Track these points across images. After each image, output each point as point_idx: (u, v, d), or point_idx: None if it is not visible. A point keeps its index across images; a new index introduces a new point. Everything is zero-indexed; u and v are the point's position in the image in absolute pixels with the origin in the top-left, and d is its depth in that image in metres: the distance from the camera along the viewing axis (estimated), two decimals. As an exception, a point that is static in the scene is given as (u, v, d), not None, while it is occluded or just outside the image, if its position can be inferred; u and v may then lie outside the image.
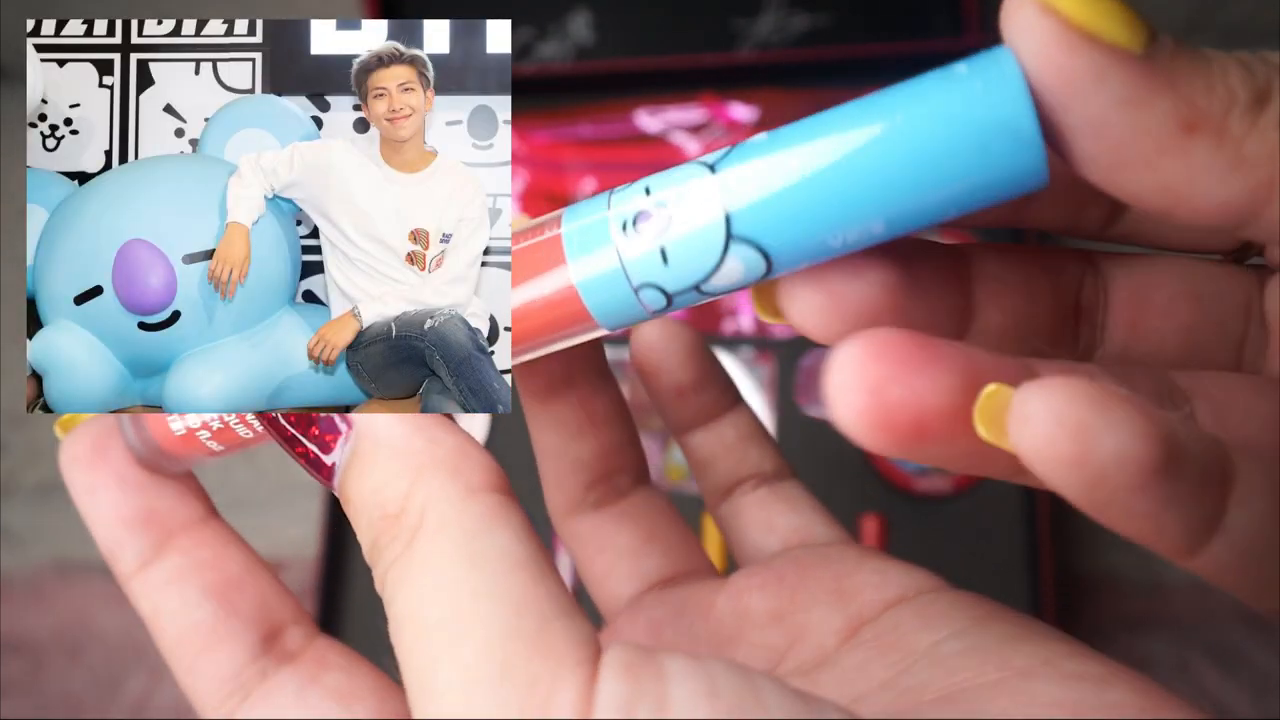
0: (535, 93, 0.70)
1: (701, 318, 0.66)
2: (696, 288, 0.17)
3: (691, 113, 0.67)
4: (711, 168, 0.16)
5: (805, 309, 0.18)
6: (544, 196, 0.69)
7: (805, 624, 0.22)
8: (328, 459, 0.18)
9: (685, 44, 0.69)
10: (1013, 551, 0.60)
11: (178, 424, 0.20)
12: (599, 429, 0.24)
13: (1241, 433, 0.18)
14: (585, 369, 0.24)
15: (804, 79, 0.68)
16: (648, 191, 0.17)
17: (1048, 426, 0.13)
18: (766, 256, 0.16)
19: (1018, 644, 0.19)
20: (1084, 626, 0.64)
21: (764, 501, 0.25)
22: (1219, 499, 0.14)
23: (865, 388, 0.14)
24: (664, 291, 0.17)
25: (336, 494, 0.18)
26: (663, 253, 0.16)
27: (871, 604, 0.22)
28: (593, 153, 0.68)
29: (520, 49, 0.73)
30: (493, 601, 0.15)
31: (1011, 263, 0.19)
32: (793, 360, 0.64)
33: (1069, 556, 0.65)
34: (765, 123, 0.66)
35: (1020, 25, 0.15)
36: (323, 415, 0.18)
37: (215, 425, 0.20)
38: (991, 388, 0.15)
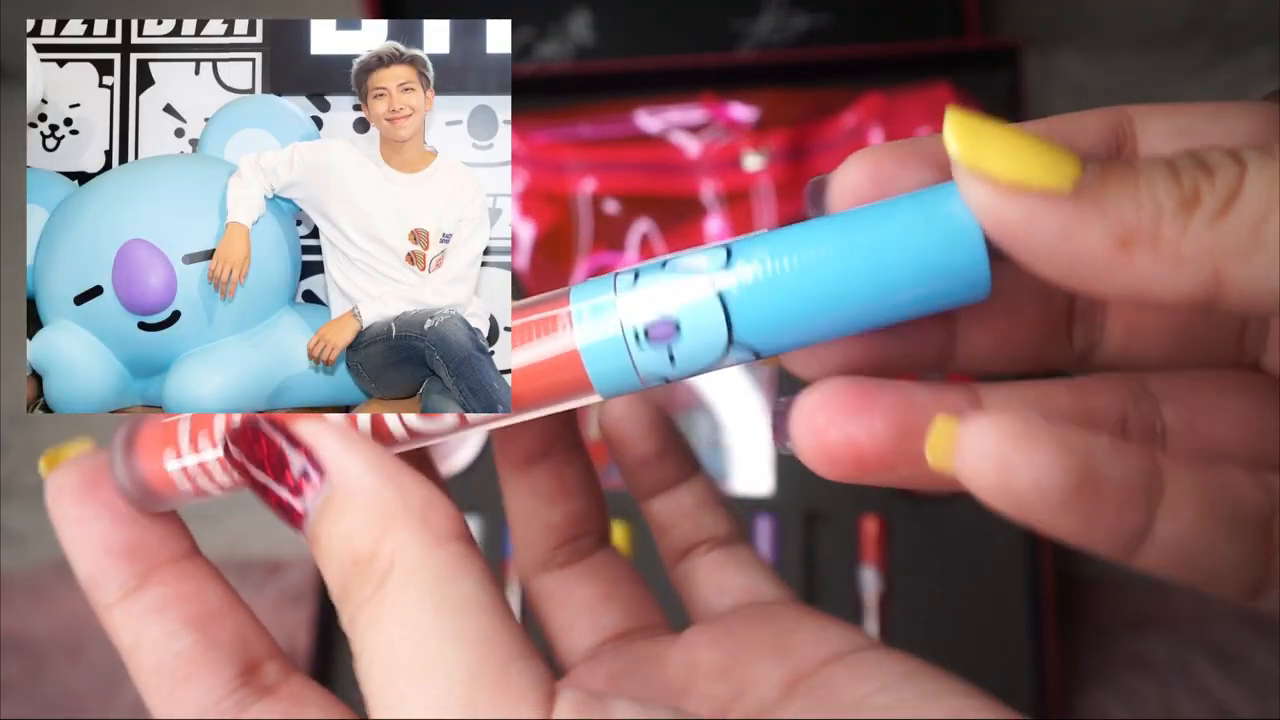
0: (535, 93, 0.70)
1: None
2: (694, 374, 0.20)
3: (691, 113, 0.67)
4: (716, 290, 0.18)
5: (801, 368, 0.21)
6: (544, 196, 0.69)
7: (749, 677, 0.23)
8: (299, 505, 0.18)
9: (685, 44, 0.69)
10: (1013, 551, 0.60)
11: (173, 463, 0.21)
12: (570, 497, 0.26)
13: (1211, 431, 0.20)
14: (560, 440, 0.26)
15: (804, 79, 0.68)
16: (655, 305, 0.19)
17: (976, 459, 0.16)
18: (757, 354, 0.19)
19: (935, 699, 0.21)
20: (1084, 626, 0.64)
21: (717, 564, 0.27)
22: (1144, 511, 0.16)
23: (812, 432, 0.18)
24: (666, 378, 0.19)
25: (306, 538, 0.19)
26: (670, 356, 0.19)
27: (810, 660, 0.23)
28: (593, 153, 0.68)
29: (520, 49, 0.73)
30: (458, 644, 0.17)
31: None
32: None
33: (1069, 556, 0.65)
34: (765, 123, 0.66)
35: (960, 182, 0.17)
36: (295, 459, 0.19)
37: (200, 466, 0.21)
38: (939, 423, 0.17)
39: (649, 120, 0.68)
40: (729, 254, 0.18)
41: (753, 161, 0.66)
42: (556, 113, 0.69)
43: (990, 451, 0.16)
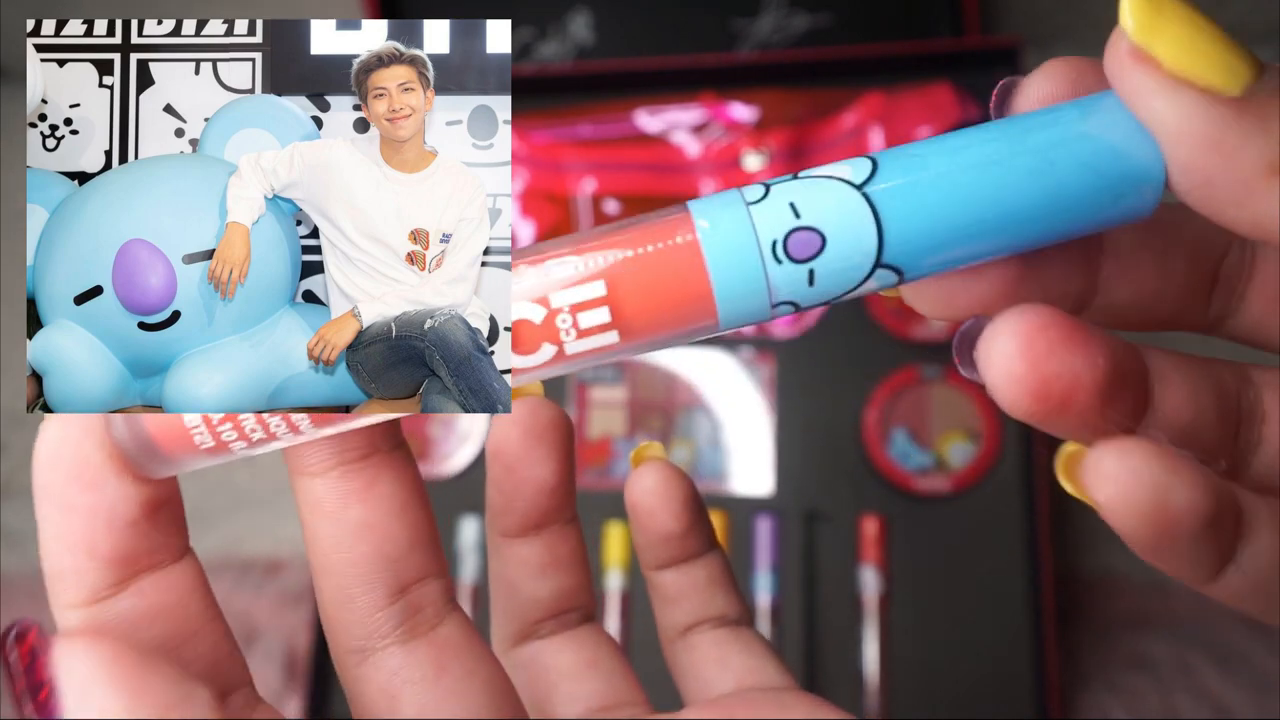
0: (535, 93, 0.70)
1: (701, 318, 0.66)
2: (826, 301, 0.17)
3: (691, 113, 0.67)
4: (859, 187, 0.16)
5: (927, 304, 0.19)
6: (544, 196, 0.69)
7: None
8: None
9: (685, 44, 0.69)
10: (1013, 551, 0.60)
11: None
12: (561, 571, 0.25)
13: None
14: (558, 516, 0.24)
15: (804, 79, 0.68)
16: (795, 211, 0.16)
17: (1125, 483, 0.15)
18: (901, 275, 0.17)
19: None
20: (1084, 626, 0.64)
21: (721, 641, 0.25)
22: (1234, 538, 0.17)
23: (1026, 359, 0.16)
24: (795, 306, 0.17)
25: None
26: (810, 275, 0.17)
27: None
28: (593, 153, 0.68)
29: (520, 49, 0.73)
30: None
31: (1142, 239, 0.19)
32: (793, 360, 0.64)
33: (1069, 556, 0.65)
34: (765, 123, 0.66)
35: (1117, 61, 0.16)
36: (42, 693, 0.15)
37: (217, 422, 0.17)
38: (1070, 447, 0.17)
39: (649, 120, 0.68)
40: (874, 165, 0.16)
41: (753, 161, 0.66)
42: (556, 113, 0.69)
43: (1143, 474, 0.15)
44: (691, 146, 0.67)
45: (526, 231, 0.69)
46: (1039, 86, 0.17)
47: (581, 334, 0.17)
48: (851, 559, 0.61)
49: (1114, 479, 0.15)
